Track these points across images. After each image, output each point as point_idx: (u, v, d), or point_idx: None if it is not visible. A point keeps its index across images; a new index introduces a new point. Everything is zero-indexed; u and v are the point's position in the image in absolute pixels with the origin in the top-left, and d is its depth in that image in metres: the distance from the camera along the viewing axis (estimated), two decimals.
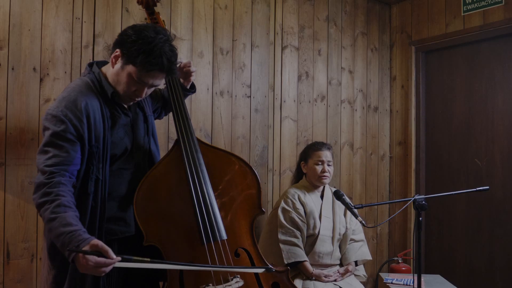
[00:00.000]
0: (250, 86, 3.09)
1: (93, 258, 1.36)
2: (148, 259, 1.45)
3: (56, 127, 1.54)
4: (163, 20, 2.01)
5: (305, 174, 2.85)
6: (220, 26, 2.94)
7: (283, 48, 3.26)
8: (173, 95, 1.89)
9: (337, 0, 3.62)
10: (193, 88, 2.10)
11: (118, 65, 1.64)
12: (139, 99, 1.70)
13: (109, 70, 1.69)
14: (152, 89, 1.70)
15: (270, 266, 1.71)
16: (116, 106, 1.71)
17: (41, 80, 2.25)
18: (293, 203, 2.71)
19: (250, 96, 3.08)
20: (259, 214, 1.90)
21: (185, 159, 1.77)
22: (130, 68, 1.60)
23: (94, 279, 1.61)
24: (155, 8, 1.99)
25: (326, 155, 2.79)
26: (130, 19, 2.53)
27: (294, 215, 2.68)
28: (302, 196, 2.76)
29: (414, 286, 1.98)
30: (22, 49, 2.20)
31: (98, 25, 2.44)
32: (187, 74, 2.01)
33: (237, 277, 1.74)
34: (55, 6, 2.30)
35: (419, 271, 1.95)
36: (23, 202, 2.19)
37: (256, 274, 1.81)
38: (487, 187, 2.16)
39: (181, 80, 2.01)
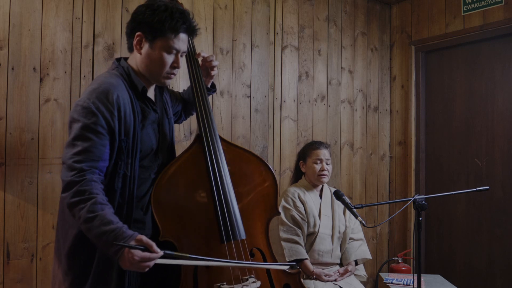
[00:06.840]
0: (250, 86, 3.09)
1: (139, 253, 1.38)
2: (188, 255, 1.45)
3: (87, 119, 1.50)
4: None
5: (304, 174, 2.86)
6: (220, 26, 2.94)
7: (283, 48, 3.26)
8: (197, 88, 1.84)
9: (337, 0, 3.62)
10: (213, 87, 2.07)
11: (146, 46, 1.62)
12: (176, 71, 1.68)
13: (136, 58, 1.66)
14: (182, 60, 1.68)
15: (293, 263, 1.69)
16: (146, 101, 1.69)
17: (41, 80, 2.25)
18: (294, 202, 2.72)
19: (250, 96, 3.08)
20: (275, 215, 1.88)
21: (207, 155, 1.73)
22: (160, 42, 1.60)
23: (119, 281, 1.57)
24: None
25: (324, 153, 2.80)
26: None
27: (294, 213, 2.68)
28: (302, 194, 2.77)
29: (414, 286, 1.98)
30: (22, 49, 2.20)
31: (98, 25, 2.44)
32: (209, 68, 1.97)
33: (252, 277, 1.71)
34: (55, 6, 2.30)
35: (419, 271, 1.95)
36: (23, 202, 2.19)
37: (269, 275, 1.79)
38: (487, 187, 2.15)
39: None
